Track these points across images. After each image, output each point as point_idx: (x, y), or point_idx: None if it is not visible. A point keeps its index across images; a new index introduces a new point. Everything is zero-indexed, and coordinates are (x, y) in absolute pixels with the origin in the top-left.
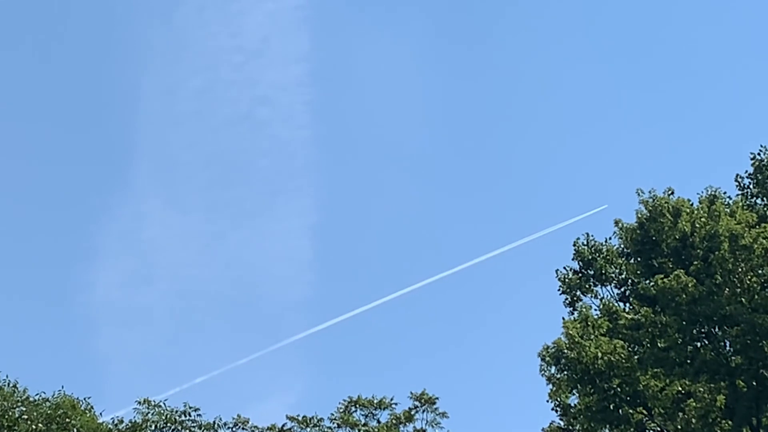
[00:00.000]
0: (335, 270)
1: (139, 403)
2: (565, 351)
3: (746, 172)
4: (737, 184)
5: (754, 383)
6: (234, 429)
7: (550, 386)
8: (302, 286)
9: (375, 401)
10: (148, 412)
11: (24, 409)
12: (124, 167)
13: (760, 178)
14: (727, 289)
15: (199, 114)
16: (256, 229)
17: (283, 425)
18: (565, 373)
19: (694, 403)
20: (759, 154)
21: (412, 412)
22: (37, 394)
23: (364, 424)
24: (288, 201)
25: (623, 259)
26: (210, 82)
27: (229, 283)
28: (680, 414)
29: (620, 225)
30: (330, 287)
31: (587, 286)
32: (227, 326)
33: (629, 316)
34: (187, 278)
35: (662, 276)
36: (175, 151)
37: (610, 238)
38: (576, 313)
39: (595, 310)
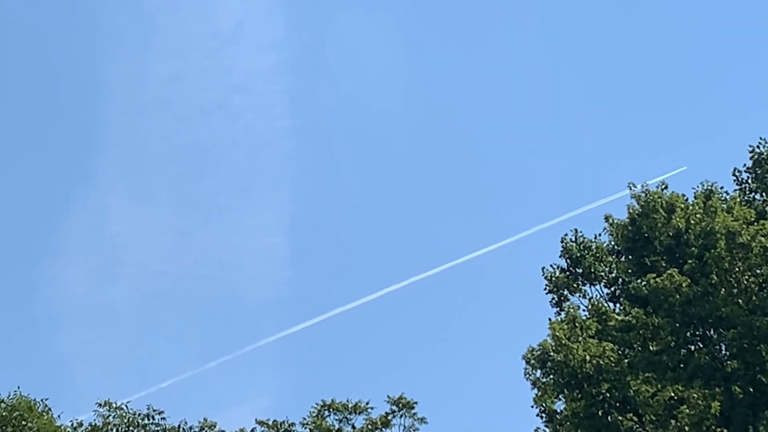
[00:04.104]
0: (312, 269)
1: (100, 405)
2: (552, 353)
3: (744, 165)
4: (735, 178)
5: (751, 389)
6: None
7: (535, 391)
8: (277, 285)
9: (350, 405)
10: (110, 415)
11: None
12: (89, 158)
13: (759, 172)
14: (723, 289)
15: (169, 103)
16: (229, 225)
17: (252, 430)
18: (551, 377)
19: (687, 410)
20: (758, 147)
21: (389, 417)
22: None
23: (338, 430)
24: (263, 195)
25: (613, 256)
26: (181, 69)
27: (200, 281)
28: (673, 421)
29: (610, 221)
30: (307, 287)
31: (575, 285)
32: (197, 327)
33: (619, 318)
34: (154, 276)
35: (654, 275)
36: (143, 141)
37: (599, 235)
38: (563, 314)
39: (584, 310)
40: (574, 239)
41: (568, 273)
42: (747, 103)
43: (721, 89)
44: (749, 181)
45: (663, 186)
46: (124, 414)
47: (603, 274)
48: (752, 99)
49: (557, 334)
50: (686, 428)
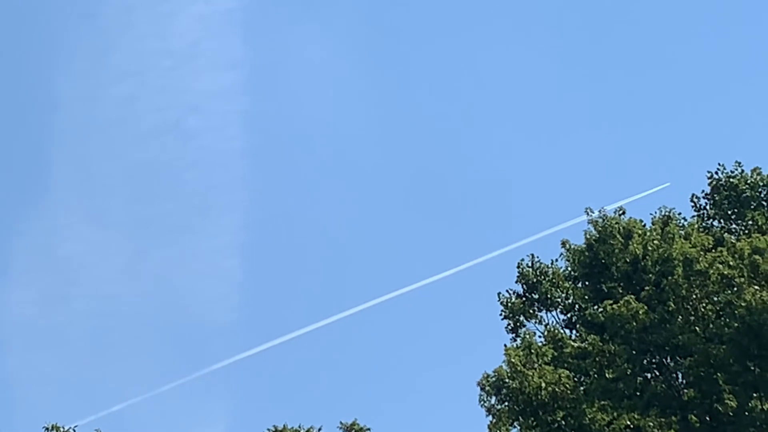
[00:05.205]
0: (266, 292)
1: (47, 429)
2: (507, 380)
3: (703, 192)
4: (693, 204)
5: (708, 418)
6: None
7: (490, 418)
8: (230, 308)
9: (302, 431)
10: None
11: None
12: (40, 178)
13: (717, 198)
14: (680, 316)
15: (124, 122)
16: (183, 247)
17: None
18: (506, 404)
19: None
20: (716, 173)
21: None
22: None
23: None
24: (217, 217)
25: (570, 282)
26: (136, 88)
27: (152, 304)
28: None
29: (567, 246)
30: (260, 310)
31: (531, 311)
32: (149, 350)
33: (575, 344)
34: (106, 298)
35: (611, 302)
36: (96, 161)
37: (556, 260)
38: (519, 340)
39: (540, 336)
40: (530, 264)
41: (524, 299)
42: (731, 118)
43: (677, 112)
44: (707, 207)
45: (621, 212)
46: None
47: (559, 300)
48: (737, 113)
49: (513, 360)
50: None
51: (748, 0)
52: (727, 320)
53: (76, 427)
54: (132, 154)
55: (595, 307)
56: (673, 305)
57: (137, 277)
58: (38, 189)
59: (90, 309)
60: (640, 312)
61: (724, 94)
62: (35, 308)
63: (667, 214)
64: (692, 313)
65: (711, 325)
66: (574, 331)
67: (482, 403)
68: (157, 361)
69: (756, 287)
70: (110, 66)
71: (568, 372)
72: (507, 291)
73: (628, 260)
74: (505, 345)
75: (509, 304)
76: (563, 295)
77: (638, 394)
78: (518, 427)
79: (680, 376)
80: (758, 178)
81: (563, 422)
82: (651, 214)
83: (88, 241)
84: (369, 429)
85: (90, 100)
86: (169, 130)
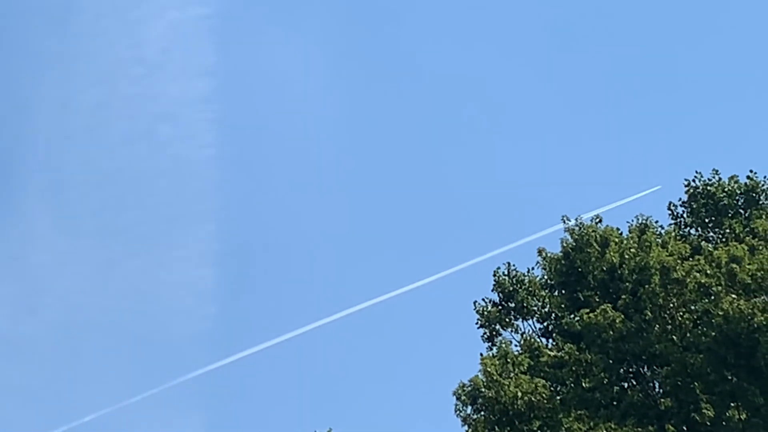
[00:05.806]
0: (239, 302)
1: None
2: (483, 390)
3: (680, 200)
4: (670, 213)
5: (685, 428)
6: None
7: (466, 428)
8: (203, 318)
9: None
10: None
11: None
12: (10, 186)
13: (694, 206)
14: (657, 325)
15: (95, 130)
16: (154, 256)
17: None
18: (482, 413)
19: None
20: (694, 180)
21: None
22: None
23: None
24: (189, 226)
25: (547, 291)
26: (107, 96)
27: (123, 313)
28: None
29: (544, 254)
30: (233, 320)
31: (507, 319)
32: (121, 360)
33: (552, 353)
34: (76, 307)
35: (588, 310)
36: (66, 169)
37: (532, 269)
38: (495, 349)
39: (516, 345)
40: (506, 273)
41: (500, 307)
42: (677, 133)
43: (654, 119)
44: (684, 215)
45: (597, 220)
46: None
47: (536, 308)
48: (682, 129)
49: (489, 369)
50: None
51: (742, 3)
52: (705, 329)
53: None
54: (103, 163)
55: (572, 315)
56: (650, 314)
57: (108, 286)
58: (7, 197)
59: (60, 318)
60: (617, 321)
61: (716, 96)
62: (4, 318)
63: (644, 222)
64: (669, 321)
65: (688, 334)
66: (550, 340)
67: (458, 412)
68: (128, 371)
69: (733, 296)
70: (81, 73)
71: (544, 381)
72: (483, 299)
73: (604, 269)
74: (481, 354)
75: (485, 313)
76: (539, 303)
77: (615, 403)
78: None
79: (657, 385)
80: (735, 185)
81: None
82: (628, 222)
83: (58, 250)
84: None
85: (60, 108)
86: (141, 138)
